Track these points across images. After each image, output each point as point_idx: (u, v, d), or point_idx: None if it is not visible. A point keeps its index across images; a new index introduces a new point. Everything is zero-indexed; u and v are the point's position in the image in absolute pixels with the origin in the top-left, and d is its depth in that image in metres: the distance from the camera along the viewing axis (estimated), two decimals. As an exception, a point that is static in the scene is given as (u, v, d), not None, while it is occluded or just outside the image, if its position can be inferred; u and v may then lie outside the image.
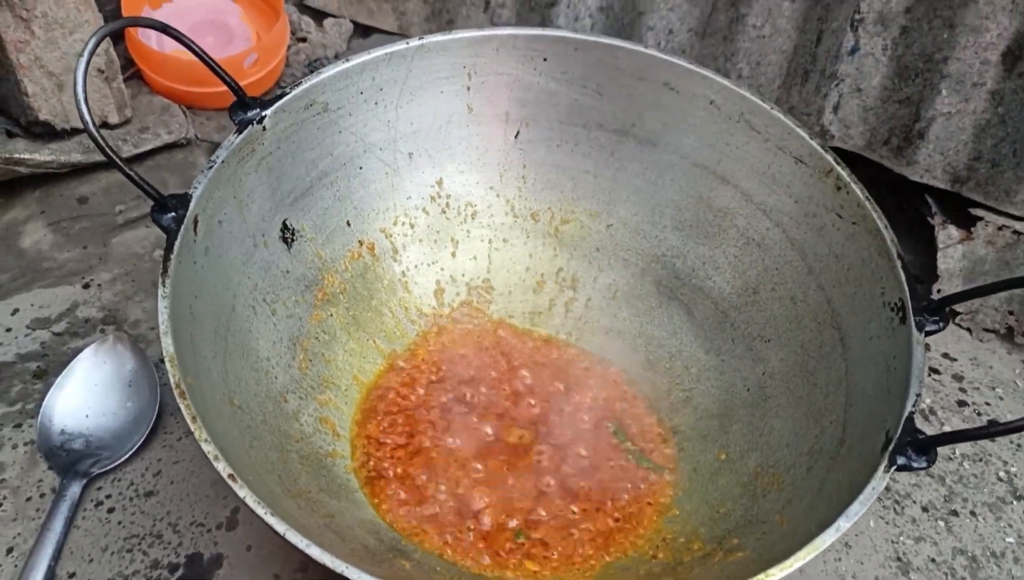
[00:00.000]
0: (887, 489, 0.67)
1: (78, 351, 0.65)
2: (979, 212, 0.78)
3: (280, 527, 0.40)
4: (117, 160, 0.49)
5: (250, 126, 0.57)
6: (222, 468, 0.42)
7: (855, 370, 0.55)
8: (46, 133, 0.77)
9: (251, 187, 0.58)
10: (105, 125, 0.81)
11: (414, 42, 0.64)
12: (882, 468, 0.45)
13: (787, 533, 0.49)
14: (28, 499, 0.59)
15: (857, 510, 0.43)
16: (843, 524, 0.43)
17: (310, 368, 0.61)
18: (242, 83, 0.58)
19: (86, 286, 0.73)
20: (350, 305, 0.66)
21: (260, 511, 0.41)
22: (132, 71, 0.87)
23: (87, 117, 0.47)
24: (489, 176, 0.71)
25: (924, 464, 0.45)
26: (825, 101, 0.81)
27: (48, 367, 0.67)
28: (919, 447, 0.46)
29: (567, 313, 0.71)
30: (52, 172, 0.78)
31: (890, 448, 0.46)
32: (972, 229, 0.78)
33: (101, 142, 0.47)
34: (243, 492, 0.41)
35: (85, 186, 0.80)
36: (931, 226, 0.80)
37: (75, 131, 0.78)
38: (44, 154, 0.76)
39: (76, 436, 0.62)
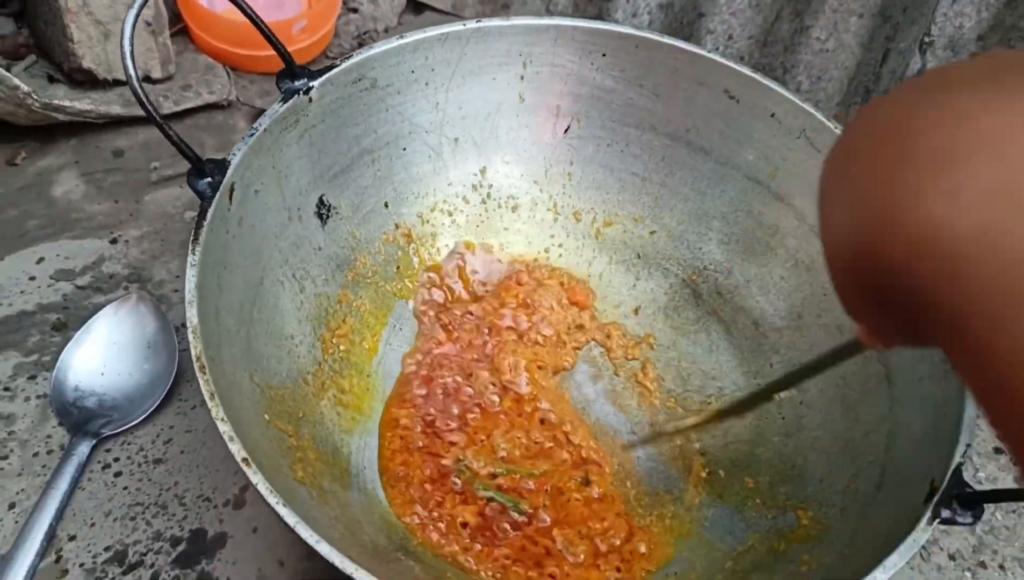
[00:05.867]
0: (914, 533, 0.64)
1: (100, 307, 0.64)
2: None
3: (291, 519, 0.39)
4: (157, 118, 0.47)
5: (296, 96, 0.55)
6: (236, 451, 0.40)
7: (900, 410, 0.53)
8: (87, 81, 0.76)
9: (291, 159, 0.56)
10: (148, 79, 0.79)
11: (471, 24, 0.62)
12: (925, 520, 0.42)
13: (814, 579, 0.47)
14: (35, 454, 0.58)
15: (896, 561, 0.41)
16: (880, 576, 0.40)
17: (335, 350, 0.59)
18: (290, 49, 0.56)
19: (114, 241, 0.71)
20: (380, 289, 0.64)
21: (272, 500, 0.39)
22: (179, 27, 0.85)
23: (132, 72, 0.45)
24: (534, 170, 0.69)
25: (970, 520, 0.43)
26: (886, 124, 0.78)
27: (68, 320, 0.65)
28: (966, 501, 0.43)
29: (599, 316, 0.68)
30: (90, 122, 0.76)
31: (935, 499, 0.43)
32: None
33: (143, 98, 0.46)
34: (256, 478, 0.39)
35: (122, 139, 0.78)
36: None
37: (117, 82, 0.76)
38: (84, 103, 0.74)
39: (89, 394, 0.60)
